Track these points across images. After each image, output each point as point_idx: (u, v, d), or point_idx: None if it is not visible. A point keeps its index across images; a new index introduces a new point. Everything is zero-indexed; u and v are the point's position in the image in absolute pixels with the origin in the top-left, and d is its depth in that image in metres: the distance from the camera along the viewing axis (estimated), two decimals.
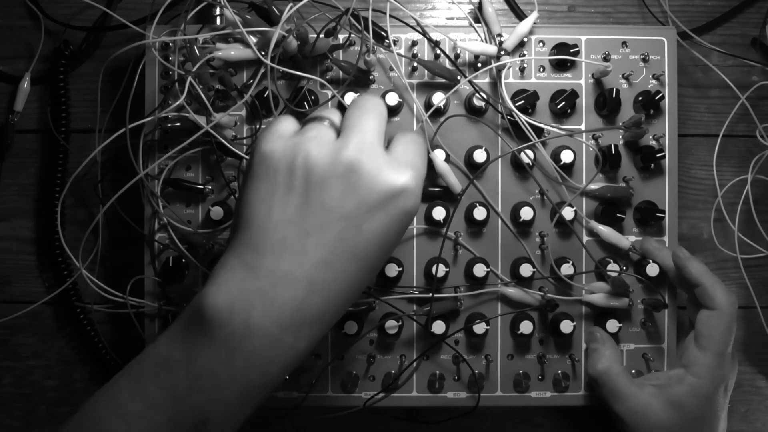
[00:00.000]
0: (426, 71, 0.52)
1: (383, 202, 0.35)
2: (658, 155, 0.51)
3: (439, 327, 0.50)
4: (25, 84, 0.56)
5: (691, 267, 0.49)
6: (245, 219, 0.36)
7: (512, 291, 0.51)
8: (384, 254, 0.37)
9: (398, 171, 0.36)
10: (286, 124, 0.38)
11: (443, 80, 0.52)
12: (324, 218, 0.35)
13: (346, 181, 0.35)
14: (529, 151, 0.51)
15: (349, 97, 0.50)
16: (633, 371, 0.52)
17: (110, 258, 0.56)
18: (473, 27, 0.53)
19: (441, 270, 0.50)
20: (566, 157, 0.51)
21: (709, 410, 0.48)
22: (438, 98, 0.51)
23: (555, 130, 0.51)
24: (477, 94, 0.51)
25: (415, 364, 0.52)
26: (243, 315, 0.34)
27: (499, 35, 0.51)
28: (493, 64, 0.51)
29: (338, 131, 0.38)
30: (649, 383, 0.49)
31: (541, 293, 0.51)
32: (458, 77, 0.51)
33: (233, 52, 0.49)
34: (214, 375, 0.34)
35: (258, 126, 0.50)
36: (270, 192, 0.36)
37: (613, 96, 0.51)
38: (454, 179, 0.50)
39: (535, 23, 0.51)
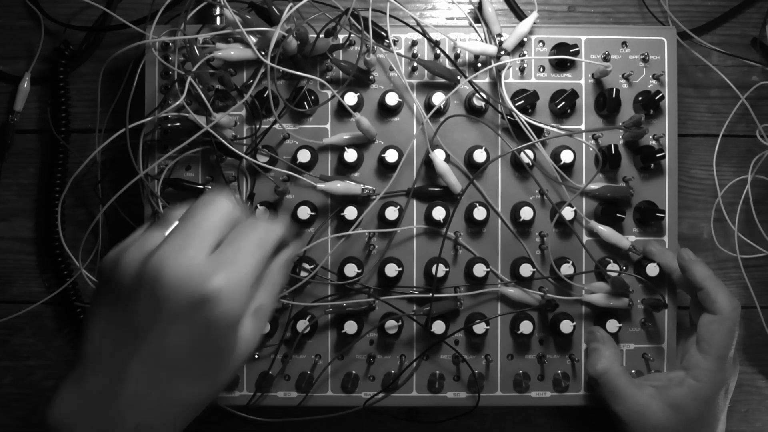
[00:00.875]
0: (426, 71, 0.52)
1: (185, 313, 0.33)
2: (658, 155, 0.51)
3: (439, 327, 0.50)
4: (25, 84, 0.56)
5: (695, 270, 0.49)
6: (86, 329, 0.36)
7: (512, 291, 0.51)
8: (212, 365, 0.35)
9: (205, 276, 0.34)
10: (137, 235, 0.38)
11: (443, 80, 0.52)
12: (134, 332, 0.34)
13: (149, 293, 0.34)
14: (529, 151, 0.51)
15: (349, 97, 0.50)
16: (633, 371, 0.52)
17: None
18: (473, 27, 0.53)
19: (441, 270, 0.50)
20: (566, 157, 0.51)
21: (708, 413, 0.48)
22: (438, 98, 0.51)
23: (555, 130, 0.51)
24: (477, 94, 0.51)
25: (415, 364, 0.52)
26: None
27: (499, 35, 0.51)
28: (493, 64, 0.51)
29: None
30: (649, 384, 0.49)
31: (541, 293, 0.51)
32: (458, 77, 0.51)
33: (233, 52, 0.49)
34: None
35: (258, 126, 0.50)
36: (94, 305, 0.36)
37: (613, 96, 0.51)
38: (454, 179, 0.50)
39: (535, 23, 0.51)
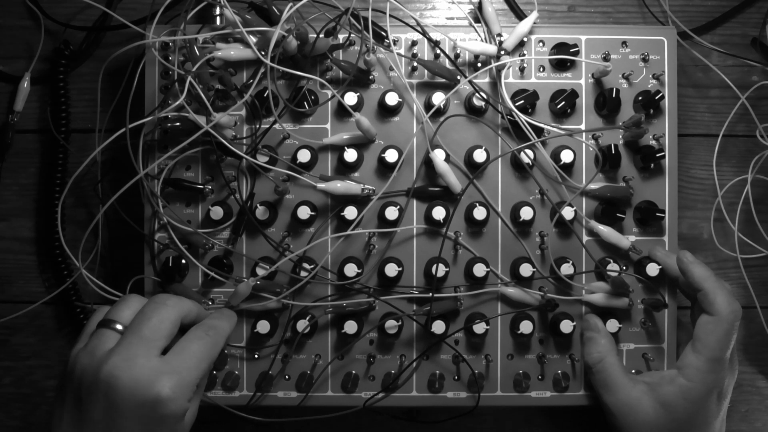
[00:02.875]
0: (426, 71, 0.52)
1: (139, 411, 0.39)
2: (658, 155, 0.51)
3: (439, 327, 0.50)
4: (25, 84, 0.56)
5: (694, 271, 0.48)
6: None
7: (512, 291, 0.51)
8: None
9: (155, 380, 0.39)
10: (91, 333, 0.43)
11: (443, 80, 0.52)
12: (94, 425, 0.39)
13: (105, 396, 0.39)
14: (529, 151, 0.51)
15: (349, 97, 0.50)
16: (633, 371, 0.52)
17: (110, 258, 0.56)
18: (473, 27, 0.53)
19: (441, 270, 0.50)
20: (566, 157, 0.51)
21: (697, 414, 0.48)
22: (438, 98, 0.51)
23: (555, 129, 0.51)
24: (477, 94, 0.51)
25: (415, 364, 0.52)
26: None
27: (499, 35, 0.51)
28: (493, 64, 0.51)
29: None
30: (642, 380, 0.49)
31: (541, 293, 0.51)
32: (458, 77, 0.51)
33: (233, 52, 0.49)
34: None
35: (258, 126, 0.50)
36: (57, 402, 0.41)
37: (613, 96, 0.51)
38: (454, 179, 0.50)
39: (535, 23, 0.51)
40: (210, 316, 0.47)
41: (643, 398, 0.48)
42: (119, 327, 0.42)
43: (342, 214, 0.50)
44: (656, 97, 0.51)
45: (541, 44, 0.52)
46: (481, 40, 0.52)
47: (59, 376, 0.45)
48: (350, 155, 0.50)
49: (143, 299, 0.45)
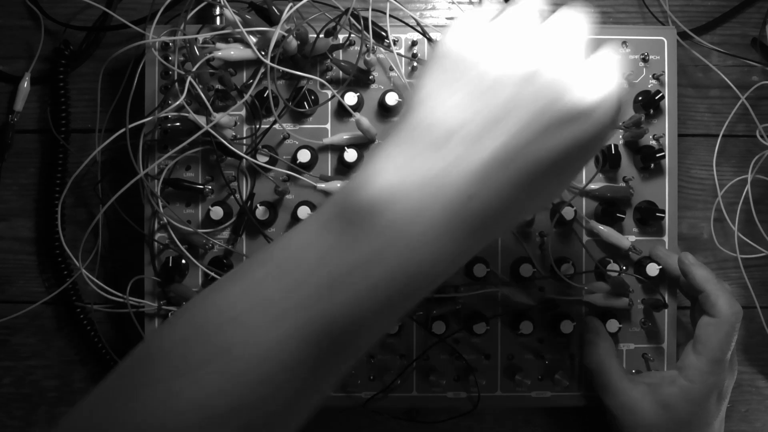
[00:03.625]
0: None
1: (561, 123, 0.31)
2: (658, 155, 0.51)
3: (439, 327, 0.50)
4: (25, 84, 0.56)
5: (696, 273, 0.48)
6: (416, 103, 0.32)
7: (512, 291, 0.51)
8: (556, 182, 0.33)
9: (586, 89, 0.31)
10: (481, 13, 0.34)
11: None
12: (498, 117, 0.31)
13: (521, 89, 0.31)
14: None
15: (349, 97, 0.50)
16: (633, 371, 0.52)
17: (110, 258, 0.56)
18: None
19: None
20: None
21: (698, 415, 0.48)
22: None
23: None
24: None
25: (415, 364, 0.52)
26: (408, 199, 0.30)
27: None
28: None
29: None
30: (642, 381, 0.49)
31: (541, 293, 0.51)
32: None
33: (233, 52, 0.49)
34: (367, 271, 0.29)
35: (258, 126, 0.50)
36: (447, 82, 0.32)
37: None
38: None
39: None
40: None
41: (644, 399, 0.48)
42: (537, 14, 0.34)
43: None
44: (656, 97, 0.51)
45: None
46: None
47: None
48: (350, 155, 0.50)
49: None
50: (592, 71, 0.32)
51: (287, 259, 0.31)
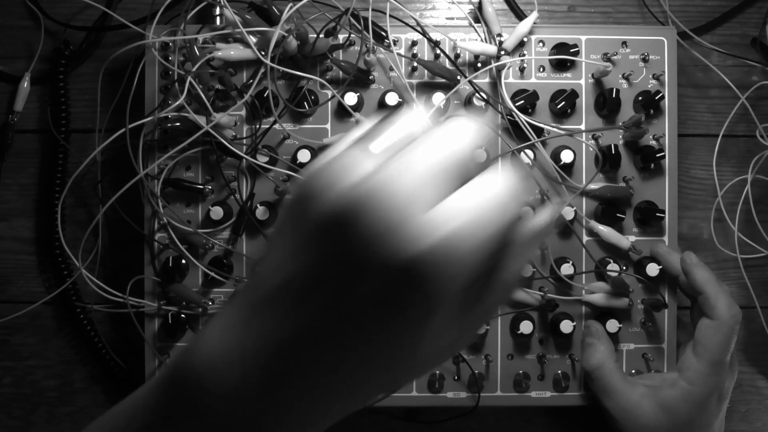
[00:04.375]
0: (426, 71, 0.52)
1: (374, 275, 0.24)
2: (658, 155, 0.51)
3: None
4: (25, 84, 0.56)
5: (697, 274, 0.48)
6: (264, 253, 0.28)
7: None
8: (375, 368, 0.26)
9: (408, 239, 0.23)
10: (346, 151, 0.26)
11: (443, 80, 0.52)
12: (319, 272, 0.25)
13: (334, 236, 0.25)
14: (529, 151, 0.51)
15: (349, 97, 0.50)
16: (633, 371, 0.52)
17: (110, 258, 0.56)
18: (473, 27, 0.53)
19: None
20: (566, 157, 0.51)
21: (699, 417, 0.48)
22: (438, 98, 0.50)
23: (555, 130, 0.51)
24: (477, 94, 0.51)
25: None
26: (220, 372, 0.26)
27: (499, 35, 0.51)
28: (493, 64, 0.51)
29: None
30: (642, 383, 0.49)
31: (541, 293, 0.51)
32: (458, 77, 0.51)
33: (233, 52, 0.49)
34: None
35: (258, 126, 0.50)
36: (284, 231, 0.27)
37: (613, 96, 0.51)
38: None
39: (535, 23, 0.51)
40: None
41: (643, 402, 0.48)
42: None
43: None
44: (656, 97, 0.51)
45: (541, 44, 0.52)
46: (481, 41, 0.52)
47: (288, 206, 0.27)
48: None
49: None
50: (444, 207, 0.24)
51: (120, 413, 0.30)
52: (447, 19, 0.57)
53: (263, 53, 0.48)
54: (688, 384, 0.47)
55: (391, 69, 0.52)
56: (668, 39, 0.52)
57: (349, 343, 0.25)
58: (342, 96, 0.50)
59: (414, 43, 0.52)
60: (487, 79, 0.52)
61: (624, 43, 0.52)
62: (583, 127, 0.52)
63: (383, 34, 0.51)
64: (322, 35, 0.49)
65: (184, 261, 0.51)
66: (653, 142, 0.52)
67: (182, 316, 0.51)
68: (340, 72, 0.52)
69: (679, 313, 0.53)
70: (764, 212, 0.56)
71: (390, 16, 0.50)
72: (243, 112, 0.52)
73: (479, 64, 0.52)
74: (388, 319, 0.25)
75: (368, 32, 0.50)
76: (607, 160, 0.51)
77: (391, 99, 0.50)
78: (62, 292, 0.54)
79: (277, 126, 0.51)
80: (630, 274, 0.52)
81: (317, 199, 0.25)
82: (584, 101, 0.52)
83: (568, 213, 0.51)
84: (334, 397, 0.27)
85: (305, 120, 0.52)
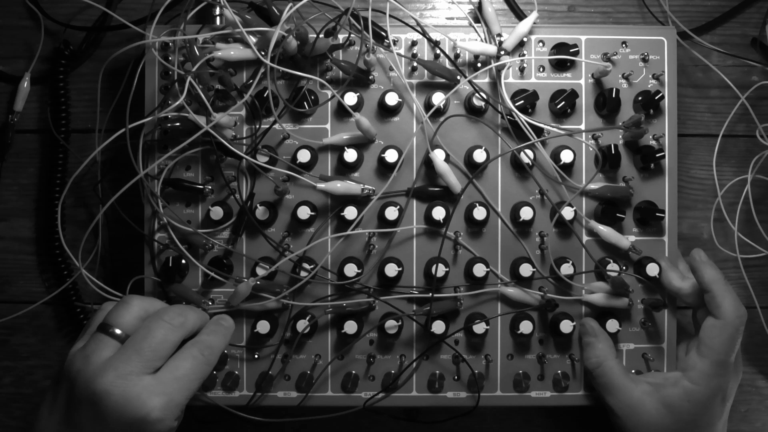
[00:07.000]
0: (426, 71, 0.52)
1: (126, 428, 0.39)
2: (657, 155, 0.51)
3: (439, 327, 0.50)
4: (25, 84, 0.56)
5: (705, 271, 0.48)
6: None
7: (512, 291, 0.51)
8: None
9: (146, 400, 0.39)
10: (93, 330, 0.44)
11: (443, 80, 0.52)
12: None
13: (95, 407, 0.39)
14: (528, 151, 0.51)
15: (349, 97, 0.50)
16: (633, 371, 0.52)
17: (110, 258, 0.56)
18: (473, 27, 0.53)
19: (441, 270, 0.50)
20: (566, 157, 0.51)
21: (702, 416, 0.48)
22: (438, 98, 0.51)
23: (555, 130, 0.51)
24: (477, 94, 0.51)
25: (415, 364, 0.52)
26: None
27: (499, 35, 0.51)
28: (493, 64, 0.51)
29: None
30: (645, 381, 0.49)
31: (541, 293, 0.51)
32: (458, 77, 0.51)
33: (233, 52, 0.49)
34: None
35: (258, 126, 0.50)
36: (50, 395, 0.42)
37: (613, 96, 0.51)
38: (453, 179, 0.50)
39: (534, 23, 0.51)
40: (207, 330, 0.46)
41: (646, 399, 0.48)
42: (118, 332, 0.42)
43: (342, 214, 0.50)
44: (656, 97, 0.51)
45: (541, 44, 0.52)
46: (481, 40, 0.52)
47: (56, 371, 0.45)
48: (350, 155, 0.50)
49: (145, 302, 0.44)
50: (160, 378, 0.42)
51: None
52: (447, 19, 0.57)
53: (263, 53, 0.48)
54: (691, 384, 0.47)
55: (391, 69, 0.52)
56: (668, 39, 0.52)
57: None
58: (342, 96, 0.50)
59: (414, 43, 0.52)
60: (487, 79, 0.52)
61: (624, 43, 0.52)
62: (583, 127, 0.52)
63: (383, 34, 0.51)
64: (322, 35, 0.49)
65: (184, 261, 0.51)
66: (653, 142, 0.52)
67: None
68: (340, 72, 0.52)
69: (679, 313, 0.53)
70: (764, 212, 0.56)
71: (390, 16, 0.50)
72: (243, 112, 0.52)
73: (479, 64, 0.52)
74: None
75: (368, 32, 0.50)
76: (607, 160, 0.51)
77: (391, 99, 0.51)
78: (62, 292, 0.54)
79: (277, 126, 0.51)
80: (630, 274, 0.52)
81: (73, 382, 0.40)
82: (584, 101, 0.52)
83: (568, 213, 0.51)
84: None
85: (305, 120, 0.52)
